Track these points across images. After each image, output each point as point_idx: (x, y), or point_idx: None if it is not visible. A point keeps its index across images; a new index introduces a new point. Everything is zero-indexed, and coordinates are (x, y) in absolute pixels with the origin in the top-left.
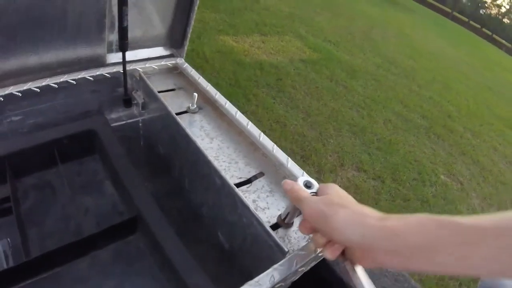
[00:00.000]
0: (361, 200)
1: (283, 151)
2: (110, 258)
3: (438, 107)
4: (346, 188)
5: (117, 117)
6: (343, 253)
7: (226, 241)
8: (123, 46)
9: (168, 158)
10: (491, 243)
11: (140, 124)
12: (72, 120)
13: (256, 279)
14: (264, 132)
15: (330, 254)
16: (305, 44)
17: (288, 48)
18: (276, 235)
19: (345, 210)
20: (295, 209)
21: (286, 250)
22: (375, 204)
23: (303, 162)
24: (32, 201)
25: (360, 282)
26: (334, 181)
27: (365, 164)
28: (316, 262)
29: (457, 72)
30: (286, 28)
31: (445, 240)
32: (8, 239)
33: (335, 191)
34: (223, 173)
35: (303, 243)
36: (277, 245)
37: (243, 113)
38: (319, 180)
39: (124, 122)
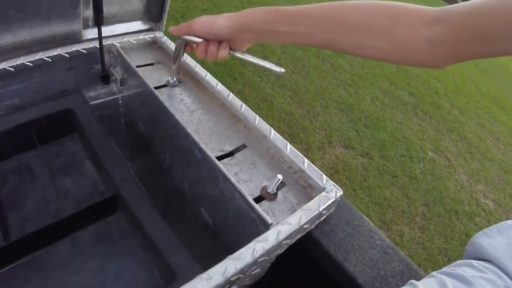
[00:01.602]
0: (349, 176)
1: None
2: (92, 239)
3: (425, 84)
4: (335, 165)
5: (96, 94)
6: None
7: (209, 217)
8: (98, 20)
9: (148, 135)
10: (310, 24)
11: (120, 102)
12: (50, 100)
13: (237, 253)
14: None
15: (223, 52)
16: None
17: None
18: (260, 207)
19: (221, 16)
20: None
21: (270, 222)
22: (364, 180)
23: (291, 140)
24: (11, 185)
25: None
26: (322, 158)
27: (353, 141)
28: (301, 235)
29: None
30: (271, 4)
31: (279, 20)
32: None
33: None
34: (203, 146)
35: (288, 214)
36: (260, 217)
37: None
38: (307, 158)
39: (103, 99)
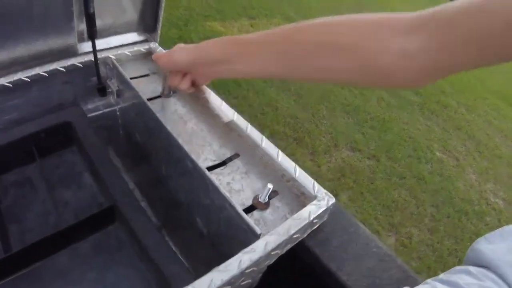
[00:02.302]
0: (356, 179)
1: (275, 134)
2: (90, 250)
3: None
4: (341, 169)
5: (94, 107)
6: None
7: (204, 226)
8: (92, 33)
9: (145, 146)
10: (265, 52)
11: (118, 113)
12: (48, 113)
13: (223, 264)
14: (256, 117)
15: (183, 85)
16: None
17: None
18: (251, 217)
19: (184, 48)
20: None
21: (259, 233)
22: (371, 183)
23: (296, 144)
24: (12, 197)
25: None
26: (329, 162)
27: (360, 144)
28: (292, 245)
29: None
30: (274, 11)
31: (234, 52)
32: None
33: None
34: (193, 156)
35: (279, 224)
36: (250, 228)
37: (233, 98)
38: (313, 162)
39: (101, 111)
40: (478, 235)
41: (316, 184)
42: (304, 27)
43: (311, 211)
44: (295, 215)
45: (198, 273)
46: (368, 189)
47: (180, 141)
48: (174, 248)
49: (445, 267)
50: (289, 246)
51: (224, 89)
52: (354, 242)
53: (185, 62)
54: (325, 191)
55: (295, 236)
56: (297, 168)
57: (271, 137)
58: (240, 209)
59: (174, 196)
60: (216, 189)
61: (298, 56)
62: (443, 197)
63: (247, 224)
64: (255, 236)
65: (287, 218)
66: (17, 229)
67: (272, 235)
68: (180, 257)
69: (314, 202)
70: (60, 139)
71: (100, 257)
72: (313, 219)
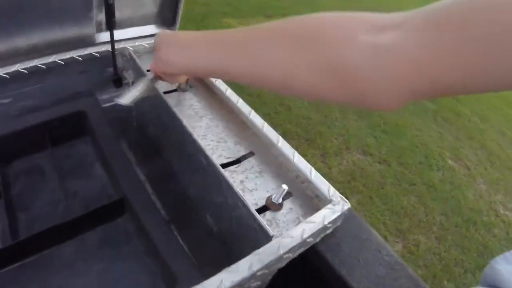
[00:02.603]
0: (366, 184)
1: (287, 134)
2: (97, 241)
3: None
4: (352, 172)
5: (109, 97)
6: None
7: (214, 224)
8: (111, 24)
9: (158, 139)
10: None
11: (132, 105)
12: (62, 102)
13: (234, 265)
14: (269, 115)
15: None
16: None
17: None
18: (263, 218)
19: (168, 50)
20: None
21: (271, 234)
22: (381, 188)
23: (308, 145)
24: (22, 185)
25: None
26: (340, 164)
27: (371, 148)
28: (304, 249)
29: None
30: (291, 10)
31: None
32: None
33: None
34: (208, 152)
35: (292, 226)
36: (262, 229)
37: (247, 95)
38: (324, 164)
39: (115, 103)
40: (485, 246)
41: (331, 187)
42: (280, 21)
43: (326, 216)
44: (309, 219)
45: (205, 270)
46: (377, 194)
47: (195, 136)
48: (182, 243)
49: (451, 277)
50: (301, 250)
51: (238, 86)
52: (365, 248)
53: (179, 70)
54: (340, 195)
55: (308, 240)
56: (313, 170)
57: (283, 136)
58: (253, 209)
59: (185, 191)
60: (229, 187)
61: (241, 56)
62: (452, 205)
63: (260, 225)
64: (267, 238)
65: (300, 221)
66: (26, 216)
67: (285, 238)
68: (188, 252)
69: (329, 206)
70: (73, 128)
71: (107, 249)
72: (327, 223)
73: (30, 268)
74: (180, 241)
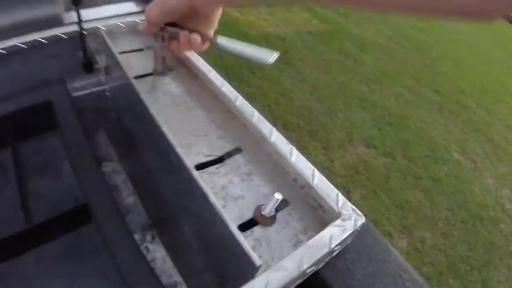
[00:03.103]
0: (370, 177)
1: (288, 125)
2: (60, 253)
3: (451, 83)
4: (355, 165)
5: (81, 85)
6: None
7: (192, 236)
8: None
9: (134, 132)
10: None
11: (107, 93)
12: (28, 91)
13: None
14: (269, 106)
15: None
16: (313, 15)
17: (296, 19)
18: (250, 235)
19: None
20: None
21: (258, 264)
22: (385, 182)
23: (310, 137)
24: None
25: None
26: (343, 157)
27: (375, 140)
28: (302, 280)
29: (469, 47)
30: None
31: None
32: None
33: None
34: (182, 149)
35: (288, 248)
36: (246, 255)
37: (247, 86)
38: (326, 156)
39: (89, 90)
40: (492, 242)
41: (340, 195)
42: None
43: (333, 235)
44: (311, 242)
45: (189, 280)
46: (382, 188)
47: (164, 129)
48: (165, 250)
49: (457, 275)
50: (298, 282)
51: (237, 76)
52: (383, 273)
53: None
54: (352, 206)
55: (308, 271)
56: (316, 172)
57: (284, 128)
58: (234, 228)
59: (162, 194)
60: (203, 196)
61: None
62: (458, 200)
63: (243, 251)
64: (252, 268)
65: (298, 240)
66: None
67: (277, 272)
68: (171, 260)
69: (338, 222)
70: (40, 121)
71: (70, 263)
72: (335, 246)
73: None
74: (163, 247)
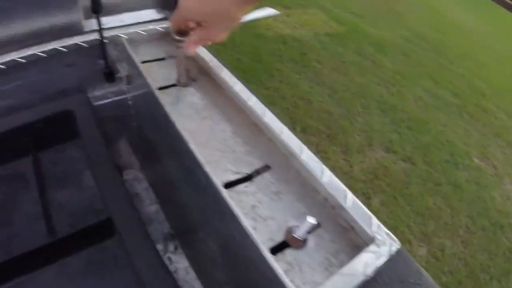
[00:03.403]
0: (390, 183)
1: (307, 129)
2: (82, 267)
3: (470, 84)
4: (375, 170)
5: (102, 94)
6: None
7: (219, 254)
8: (96, 7)
9: (157, 143)
10: None
11: (129, 102)
12: (47, 101)
13: None
14: (288, 109)
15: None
16: (330, 17)
17: (313, 21)
18: (282, 258)
19: None
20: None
21: None
22: (405, 188)
23: (329, 141)
24: (2, 196)
25: None
26: (362, 162)
27: (395, 144)
28: None
29: (488, 48)
30: (310, 1)
31: None
32: None
33: None
34: (207, 168)
35: (320, 272)
36: (278, 280)
37: (265, 89)
38: (345, 161)
39: (110, 99)
40: None
41: (374, 219)
42: None
43: (368, 262)
44: (346, 269)
45: None
46: (402, 194)
47: (192, 146)
48: (187, 261)
49: (476, 284)
50: None
51: (255, 79)
52: None
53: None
54: (386, 230)
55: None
56: (349, 194)
57: (303, 132)
58: (267, 253)
59: (186, 207)
60: (235, 219)
61: None
62: (479, 207)
63: (276, 276)
64: None
65: (330, 264)
66: (3, 233)
67: None
68: (194, 271)
69: (372, 248)
70: (60, 130)
71: (92, 278)
72: (370, 273)
73: None
74: (185, 258)
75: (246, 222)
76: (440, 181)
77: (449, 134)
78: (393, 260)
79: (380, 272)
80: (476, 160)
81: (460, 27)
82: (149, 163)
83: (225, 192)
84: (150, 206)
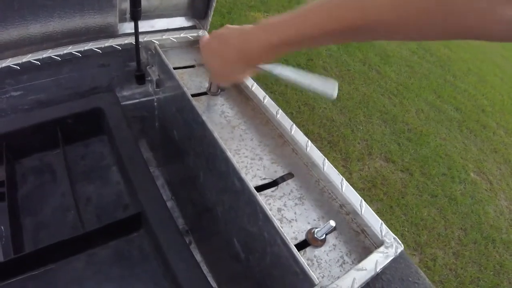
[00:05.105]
0: (387, 192)
1: (310, 135)
2: (110, 257)
3: (472, 100)
4: (373, 178)
5: (130, 94)
6: None
7: (242, 251)
8: (135, 14)
9: (183, 145)
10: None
11: (155, 104)
12: (78, 97)
13: None
14: (292, 114)
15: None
16: None
17: None
18: (303, 256)
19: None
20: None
21: (316, 282)
22: (402, 197)
23: (330, 148)
24: (30, 186)
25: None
26: (361, 170)
27: (394, 155)
28: None
29: (492, 64)
30: None
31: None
32: (2, 227)
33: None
34: (243, 174)
35: (336, 268)
36: (305, 273)
37: (270, 93)
38: (345, 168)
39: (137, 100)
40: (502, 265)
41: (383, 225)
42: None
43: (378, 261)
44: (360, 265)
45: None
46: (398, 204)
47: (229, 154)
48: (200, 256)
49: None
50: None
51: (261, 82)
52: None
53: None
54: (393, 235)
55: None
56: (363, 203)
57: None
58: (295, 250)
59: (209, 207)
60: (268, 220)
61: None
62: (472, 221)
63: (302, 269)
64: (310, 285)
65: (344, 261)
66: (32, 223)
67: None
68: (206, 266)
69: (382, 249)
70: (89, 126)
71: (119, 267)
72: (380, 271)
73: (35, 281)
74: (198, 253)
75: (279, 224)
76: (436, 193)
77: (448, 147)
78: (395, 261)
79: (385, 272)
80: (472, 174)
81: (468, 42)
82: (167, 162)
83: (259, 197)
84: (166, 202)
